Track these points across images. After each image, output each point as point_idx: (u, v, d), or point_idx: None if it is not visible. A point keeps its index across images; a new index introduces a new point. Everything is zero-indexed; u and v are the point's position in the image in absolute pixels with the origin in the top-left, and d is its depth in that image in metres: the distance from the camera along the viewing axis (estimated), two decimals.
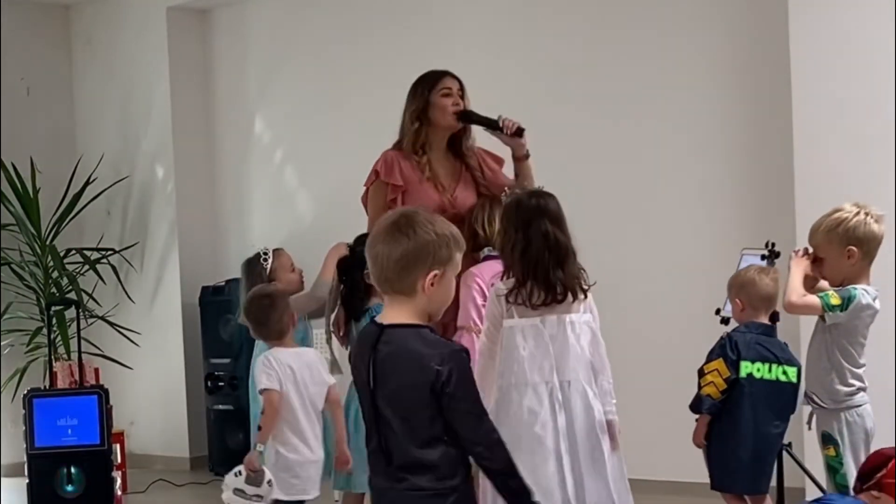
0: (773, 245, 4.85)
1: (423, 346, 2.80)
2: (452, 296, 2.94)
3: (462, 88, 4.71)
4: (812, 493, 5.01)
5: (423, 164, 4.63)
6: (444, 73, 4.71)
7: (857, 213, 3.88)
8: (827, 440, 3.91)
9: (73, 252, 7.75)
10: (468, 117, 4.66)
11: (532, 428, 3.76)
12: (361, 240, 4.69)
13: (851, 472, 3.84)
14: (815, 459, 4.30)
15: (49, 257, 7.63)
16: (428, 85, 4.68)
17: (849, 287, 3.86)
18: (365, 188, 4.80)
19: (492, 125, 4.62)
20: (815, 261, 3.97)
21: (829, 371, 3.90)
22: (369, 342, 2.86)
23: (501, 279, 3.95)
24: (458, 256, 2.89)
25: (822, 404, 3.93)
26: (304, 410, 4.43)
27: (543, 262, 3.79)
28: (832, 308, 3.83)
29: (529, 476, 3.71)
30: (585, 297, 3.87)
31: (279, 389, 4.37)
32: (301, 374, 4.43)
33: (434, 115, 4.64)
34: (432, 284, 2.82)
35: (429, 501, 2.79)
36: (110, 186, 7.98)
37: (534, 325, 3.80)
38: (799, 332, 5.29)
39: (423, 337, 2.82)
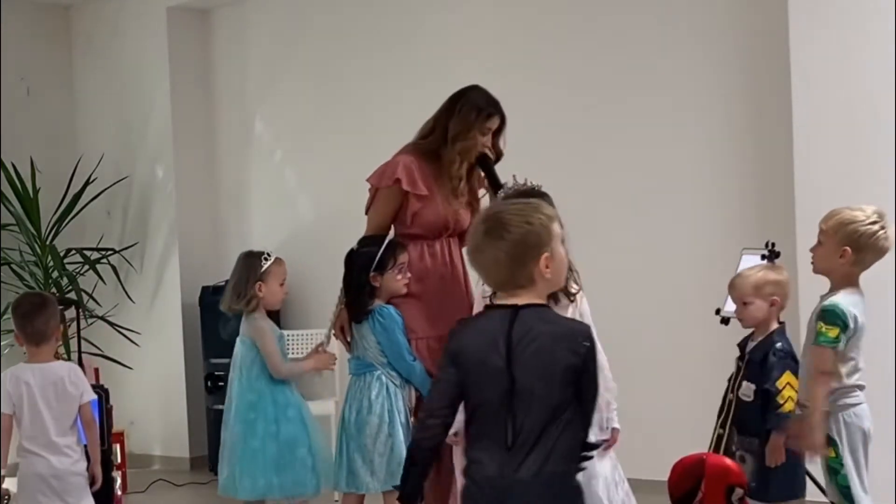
0: (773, 245, 4.84)
1: (565, 322, 2.93)
2: (566, 262, 2.99)
3: (502, 124, 4.68)
4: (812, 493, 5.01)
5: (454, 186, 4.64)
6: (495, 112, 4.65)
7: (874, 223, 3.85)
8: (826, 441, 3.90)
9: (73, 252, 7.75)
10: (484, 165, 4.66)
11: None
12: (366, 241, 4.68)
13: (852, 473, 3.83)
14: (815, 460, 4.29)
15: (49, 257, 7.63)
16: (478, 114, 4.62)
17: (835, 305, 3.82)
18: (374, 188, 4.71)
19: (494, 187, 4.59)
20: (817, 243, 3.96)
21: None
22: (502, 323, 2.88)
23: None
24: (556, 226, 2.93)
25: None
26: (54, 424, 4.50)
27: None
28: (837, 341, 3.80)
29: None
30: (572, 300, 3.85)
31: (10, 412, 4.49)
32: (44, 391, 4.51)
33: (466, 142, 4.62)
34: (547, 266, 2.88)
35: (553, 484, 2.83)
36: (110, 186, 7.99)
37: None
38: (799, 332, 5.30)
39: (559, 316, 2.95)
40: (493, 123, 4.66)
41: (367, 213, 4.78)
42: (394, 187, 4.62)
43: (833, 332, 3.77)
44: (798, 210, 5.38)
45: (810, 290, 5.16)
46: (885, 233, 3.86)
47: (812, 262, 3.98)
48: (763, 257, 4.78)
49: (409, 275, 4.59)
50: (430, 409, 2.99)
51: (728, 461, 3.33)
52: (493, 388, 2.86)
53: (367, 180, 4.75)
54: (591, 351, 2.86)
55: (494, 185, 4.60)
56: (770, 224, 5.58)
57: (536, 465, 2.81)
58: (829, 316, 3.79)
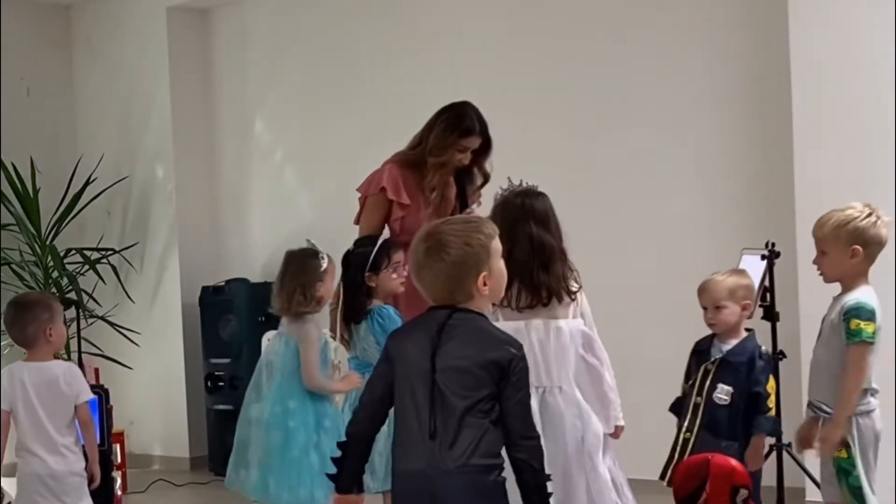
0: (773, 245, 4.84)
1: (496, 330, 3.04)
2: (505, 275, 3.11)
3: (485, 143, 4.85)
4: (812, 493, 5.02)
5: (432, 199, 4.82)
6: (473, 131, 4.82)
7: (869, 215, 3.87)
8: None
9: (73, 252, 7.75)
10: (458, 181, 4.88)
11: None
12: (362, 242, 4.70)
13: (863, 474, 3.82)
14: (815, 459, 4.29)
15: (49, 257, 7.63)
16: (458, 133, 4.82)
17: (863, 303, 3.83)
18: (363, 196, 4.88)
19: (461, 205, 4.85)
20: (820, 254, 3.95)
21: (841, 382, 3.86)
22: (435, 322, 3.00)
23: None
24: (495, 243, 3.04)
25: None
26: (50, 423, 4.52)
27: (528, 264, 3.79)
28: (874, 336, 3.81)
29: None
30: (573, 299, 3.85)
31: (8, 409, 4.51)
32: (38, 390, 4.52)
33: (440, 158, 4.81)
34: (485, 284, 3.00)
35: (478, 477, 2.93)
36: (110, 186, 7.98)
37: (517, 328, 3.80)
38: (799, 333, 5.30)
39: (490, 324, 3.06)
40: (470, 143, 4.82)
41: (356, 223, 4.97)
42: (380, 195, 4.82)
43: (871, 328, 3.79)
44: (798, 210, 5.38)
45: (810, 289, 5.18)
46: (881, 221, 3.88)
47: (821, 274, 3.96)
48: (763, 257, 4.78)
49: (404, 273, 4.60)
50: (362, 404, 3.18)
51: (733, 462, 3.33)
52: (417, 382, 2.98)
53: (357, 190, 4.94)
54: (517, 360, 2.96)
55: (462, 203, 4.85)
56: (770, 224, 5.58)
57: (462, 457, 2.91)
58: (864, 312, 3.80)
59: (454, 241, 2.98)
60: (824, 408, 3.90)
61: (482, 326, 3.01)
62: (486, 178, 4.91)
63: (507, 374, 2.93)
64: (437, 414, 2.94)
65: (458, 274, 2.97)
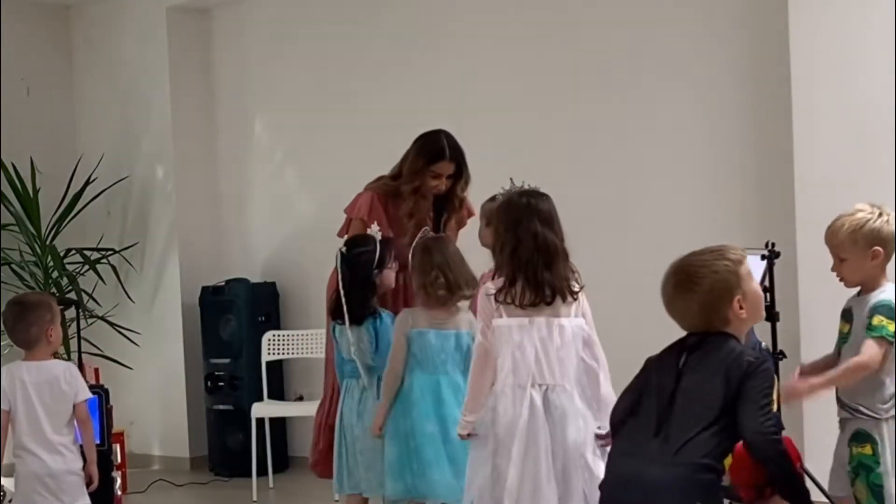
0: (773, 245, 4.84)
1: (739, 347, 3.09)
2: (761, 294, 3.19)
3: (458, 167, 5.04)
4: (812, 493, 5.01)
5: (410, 226, 4.96)
6: (443, 156, 5.01)
7: (880, 215, 3.86)
8: (863, 438, 3.80)
9: (73, 252, 7.75)
10: (435, 207, 5.10)
11: (507, 430, 3.78)
12: (355, 242, 4.76)
13: (889, 472, 3.79)
14: (814, 459, 4.29)
15: (49, 257, 7.63)
16: (427, 160, 5.01)
17: (888, 301, 3.80)
18: (348, 217, 5.13)
19: (434, 229, 5.01)
20: (838, 261, 3.93)
21: (882, 383, 3.82)
22: (688, 345, 3.13)
23: (492, 279, 3.97)
24: (744, 267, 3.11)
25: (874, 415, 3.81)
26: (48, 422, 4.54)
27: (532, 262, 3.81)
28: (893, 336, 3.78)
29: (481, 477, 3.77)
30: (575, 299, 3.86)
31: (7, 409, 4.54)
32: (38, 389, 4.55)
33: (413, 185, 5.02)
34: (741, 307, 3.06)
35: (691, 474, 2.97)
36: (110, 186, 7.98)
37: (521, 325, 3.82)
38: (799, 333, 5.30)
39: (738, 343, 3.10)
40: (441, 168, 5.01)
41: (339, 236, 5.16)
42: (361, 222, 5.04)
43: (892, 327, 3.77)
44: (798, 210, 5.38)
45: (810, 290, 5.18)
46: (891, 219, 3.87)
47: (842, 280, 3.92)
48: (763, 257, 4.77)
49: (395, 268, 4.75)
50: (613, 413, 3.35)
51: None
52: (659, 396, 3.08)
53: (344, 210, 5.22)
54: (754, 364, 3.00)
55: (436, 227, 5.01)
56: (770, 224, 5.58)
57: (680, 456, 2.97)
58: (887, 311, 3.78)
59: (701, 272, 3.08)
60: (863, 409, 3.86)
61: (729, 347, 3.06)
62: (461, 204, 5.14)
63: (743, 382, 2.98)
64: (667, 425, 3.02)
65: (711, 302, 3.05)
